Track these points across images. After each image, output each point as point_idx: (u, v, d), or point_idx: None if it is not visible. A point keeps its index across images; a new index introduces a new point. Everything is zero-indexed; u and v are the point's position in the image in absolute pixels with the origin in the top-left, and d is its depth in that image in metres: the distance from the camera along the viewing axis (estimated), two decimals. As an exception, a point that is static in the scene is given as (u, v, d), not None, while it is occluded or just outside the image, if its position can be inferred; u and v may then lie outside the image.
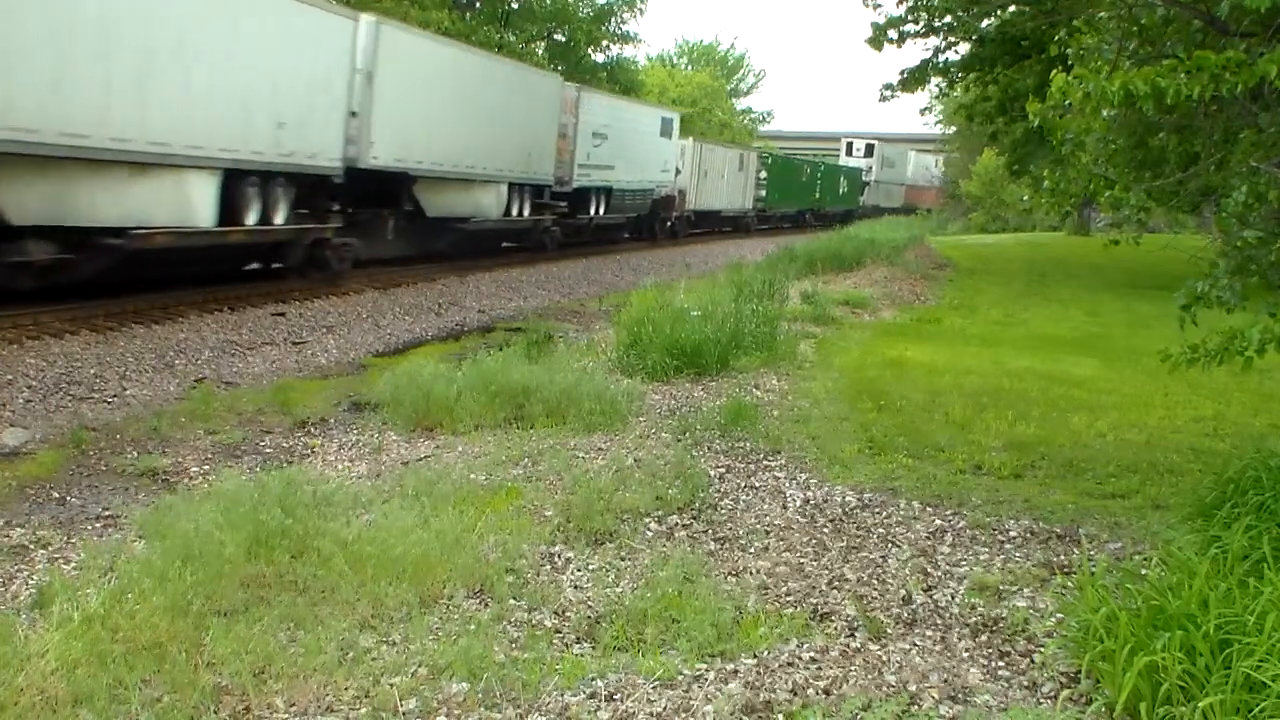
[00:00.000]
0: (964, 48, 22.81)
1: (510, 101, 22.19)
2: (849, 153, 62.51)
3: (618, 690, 3.85)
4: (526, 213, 24.12)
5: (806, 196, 50.46)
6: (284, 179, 15.35)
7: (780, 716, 3.71)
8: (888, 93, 23.03)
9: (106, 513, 6.49)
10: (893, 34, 20.53)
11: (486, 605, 4.64)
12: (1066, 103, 5.30)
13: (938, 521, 6.07)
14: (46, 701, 3.66)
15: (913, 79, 22.69)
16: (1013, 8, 19.96)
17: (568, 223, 26.82)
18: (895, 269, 22.41)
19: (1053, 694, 3.94)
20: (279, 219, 15.51)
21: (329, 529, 5.06)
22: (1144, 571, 4.62)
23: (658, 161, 32.25)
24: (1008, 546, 5.70)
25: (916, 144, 71.33)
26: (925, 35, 21.32)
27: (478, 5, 36.39)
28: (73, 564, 5.37)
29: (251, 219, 14.86)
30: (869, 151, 62.10)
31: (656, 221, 33.90)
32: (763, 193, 44.08)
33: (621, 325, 11.26)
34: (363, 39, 16.78)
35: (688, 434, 7.76)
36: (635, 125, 30.11)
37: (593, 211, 28.30)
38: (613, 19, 39.86)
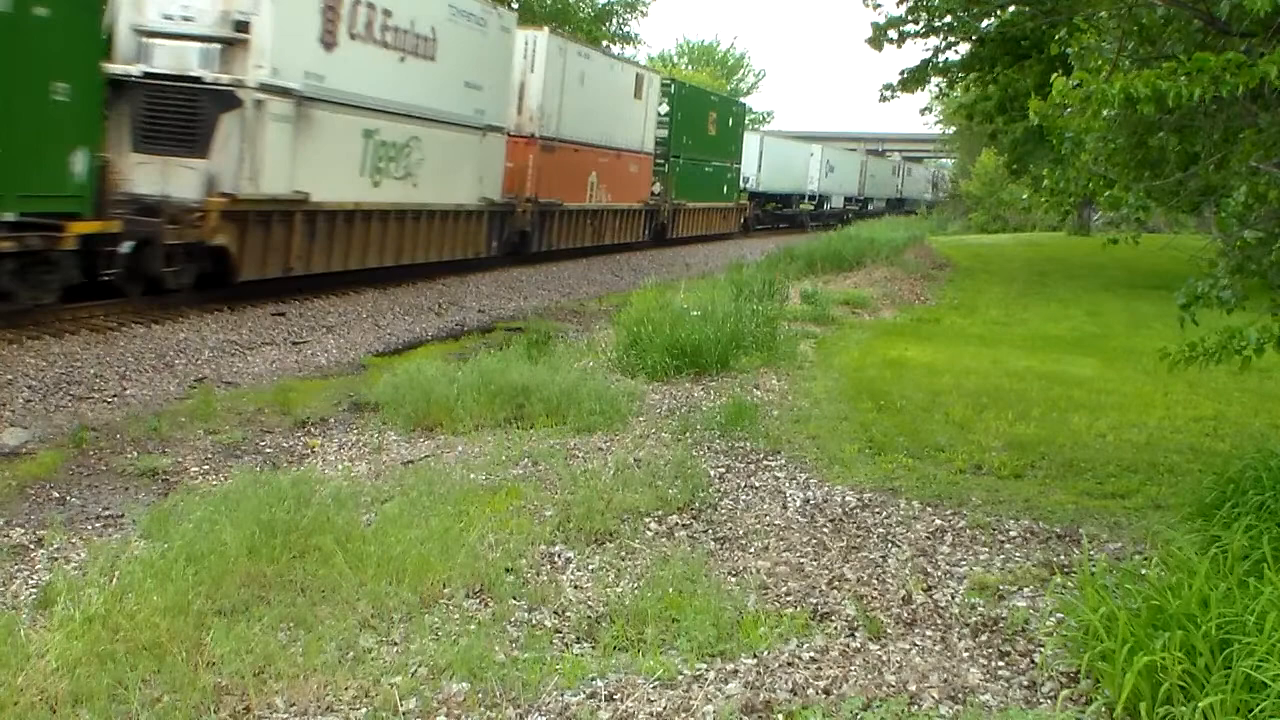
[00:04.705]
0: (964, 48, 22.83)
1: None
2: None
3: (618, 690, 3.85)
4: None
5: None
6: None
7: (780, 716, 3.71)
8: (888, 93, 23.03)
9: (107, 512, 6.49)
10: (893, 34, 20.53)
11: (486, 605, 4.65)
12: (1065, 105, 5.31)
13: (938, 521, 6.07)
14: (46, 701, 3.66)
15: (913, 79, 22.68)
16: (1013, 8, 19.95)
17: None
18: (895, 269, 22.40)
19: (1053, 694, 3.94)
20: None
21: (336, 525, 5.06)
22: (1144, 571, 4.61)
23: None
24: (1008, 546, 5.71)
25: (915, 144, 69.60)
26: (925, 35, 21.33)
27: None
28: (73, 564, 5.37)
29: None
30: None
31: None
32: None
33: (621, 325, 11.25)
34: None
35: (688, 434, 7.76)
36: None
37: None
38: (613, 19, 39.92)
